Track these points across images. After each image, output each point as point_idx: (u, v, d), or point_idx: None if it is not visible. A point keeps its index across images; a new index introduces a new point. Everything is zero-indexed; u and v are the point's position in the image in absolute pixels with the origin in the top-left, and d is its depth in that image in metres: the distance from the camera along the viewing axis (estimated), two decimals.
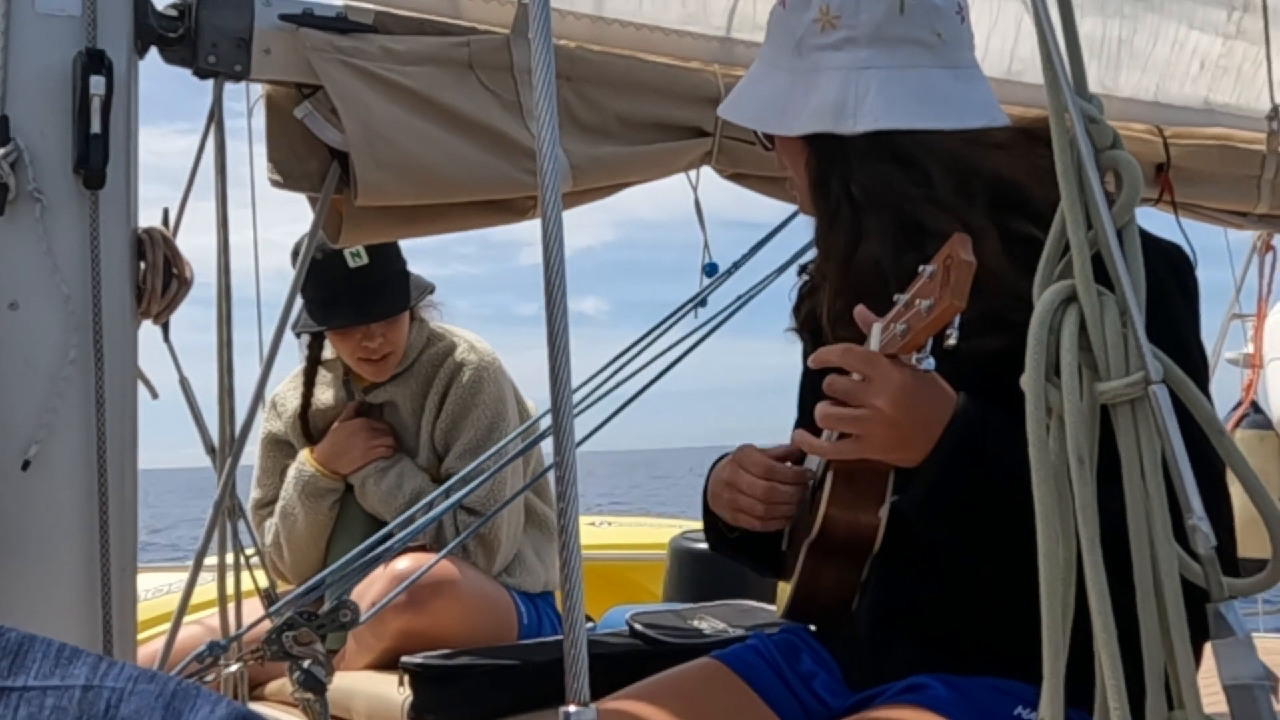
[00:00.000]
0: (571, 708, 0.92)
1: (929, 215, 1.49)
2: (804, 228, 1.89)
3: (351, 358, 2.97)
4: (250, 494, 3.11)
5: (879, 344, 1.36)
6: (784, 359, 1.77)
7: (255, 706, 2.71)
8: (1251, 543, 1.29)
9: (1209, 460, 1.03)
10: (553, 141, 0.86)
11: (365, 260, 2.84)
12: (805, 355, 1.75)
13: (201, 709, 0.66)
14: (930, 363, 1.32)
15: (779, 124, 1.60)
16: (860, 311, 1.41)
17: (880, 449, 1.38)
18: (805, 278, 1.73)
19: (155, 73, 1.76)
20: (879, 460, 1.41)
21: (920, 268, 1.28)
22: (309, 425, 3.06)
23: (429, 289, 3.03)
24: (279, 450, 3.10)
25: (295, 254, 2.70)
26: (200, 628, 2.40)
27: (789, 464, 1.58)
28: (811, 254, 1.72)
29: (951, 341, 1.26)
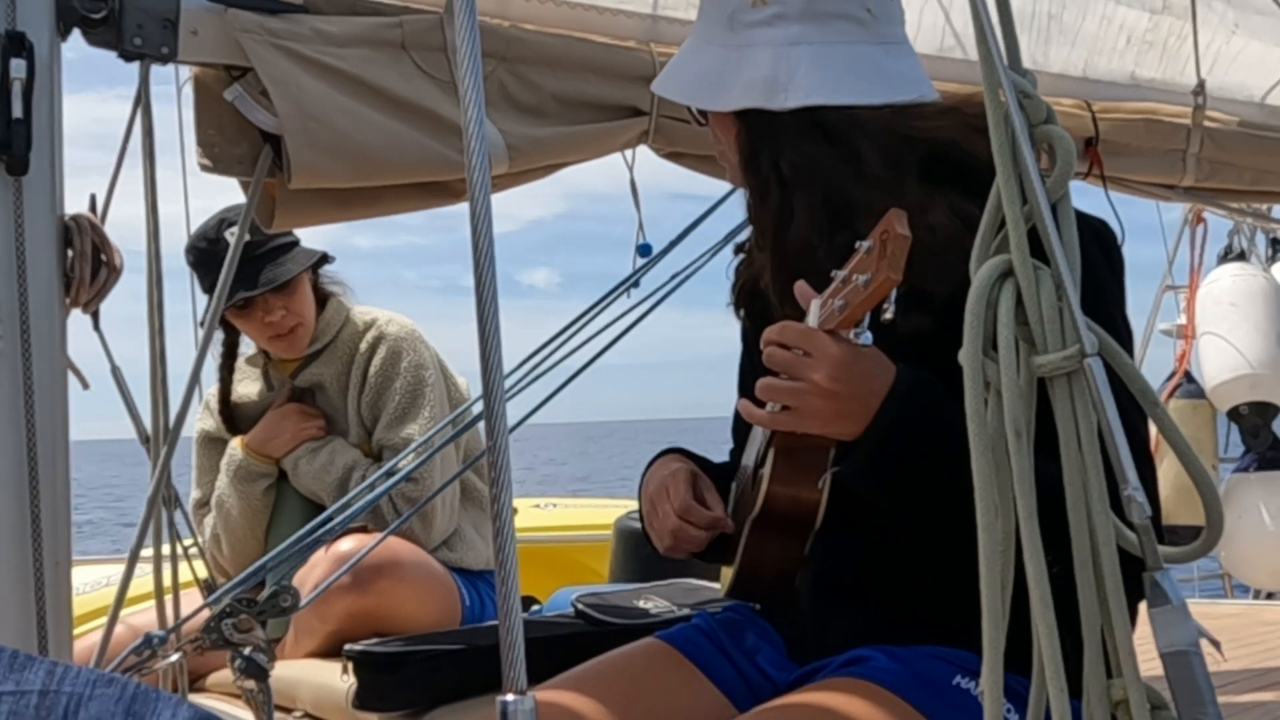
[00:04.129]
0: (509, 696, 0.90)
1: (859, 192, 1.49)
2: (740, 205, 1.89)
3: (261, 337, 2.96)
4: (190, 494, 3.08)
5: (818, 320, 1.36)
6: (731, 331, 1.78)
7: (196, 699, 2.68)
8: (1184, 511, 1.32)
9: (1136, 431, 1.05)
10: (479, 122, 0.85)
11: (246, 237, 2.81)
12: (744, 332, 1.75)
13: (164, 713, 0.65)
14: (868, 337, 1.33)
15: (711, 99, 1.60)
16: (800, 287, 1.41)
17: (819, 421, 1.38)
18: (742, 255, 1.73)
19: None
20: (819, 436, 1.42)
21: (857, 244, 1.29)
22: (230, 414, 3.03)
23: (321, 255, 2.99)
24: (214, 448, 3.08)
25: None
26: (124, 627, 2.35)
27: (709, 505, 1.61)
28: (748, 231, 1.72)
29: (889, 315, 1.27)
